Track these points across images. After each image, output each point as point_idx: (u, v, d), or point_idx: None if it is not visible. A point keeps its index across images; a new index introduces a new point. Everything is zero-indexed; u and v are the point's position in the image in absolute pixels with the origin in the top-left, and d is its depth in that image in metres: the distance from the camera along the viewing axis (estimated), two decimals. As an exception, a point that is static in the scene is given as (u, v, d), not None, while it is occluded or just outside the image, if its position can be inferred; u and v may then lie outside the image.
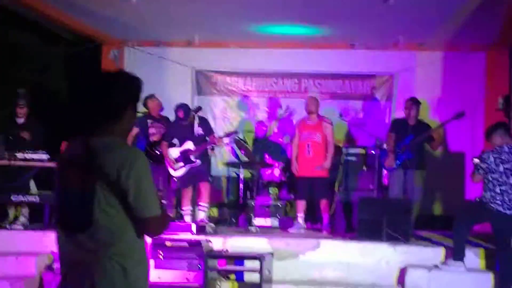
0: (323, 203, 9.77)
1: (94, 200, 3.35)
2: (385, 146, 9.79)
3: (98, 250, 3.36)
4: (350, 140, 11.68)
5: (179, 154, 9.68)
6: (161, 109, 10.66)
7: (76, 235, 3.39)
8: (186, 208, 9.72)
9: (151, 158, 9.97)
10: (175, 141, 9.87)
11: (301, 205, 9.83)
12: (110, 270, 3.35)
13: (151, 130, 10.36)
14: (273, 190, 10.95)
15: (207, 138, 9.74)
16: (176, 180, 9.84)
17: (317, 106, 9.94)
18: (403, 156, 9.36)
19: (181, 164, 9.65)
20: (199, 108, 10.12)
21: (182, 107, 9.82)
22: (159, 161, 9.97)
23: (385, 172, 9.94)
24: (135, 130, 10.07)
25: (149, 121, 10.36)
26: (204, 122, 9.94)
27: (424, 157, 9.55)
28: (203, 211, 9.61)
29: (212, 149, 10.27)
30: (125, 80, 3.62)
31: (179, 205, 10.44)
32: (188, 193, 9.76)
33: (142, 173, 3.37)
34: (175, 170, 9.71)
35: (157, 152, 10.12)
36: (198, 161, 9.61)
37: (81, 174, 3.40)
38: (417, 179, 9.31)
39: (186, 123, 9.74)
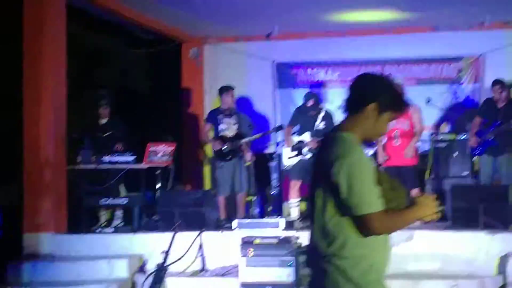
0: (414, 192, 9.48)
1: (314, 196, 3.34)
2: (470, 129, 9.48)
3: (317, 248, 3.34)
4: (439, 126, 11.33)
5: (295, 143, 9.58)
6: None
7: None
8: (294, 201, 9.56)
9: (219, 155, 9.85)
10: (296, 128, 9.77)
11: None
12: (329, 271, 3.31)
13: (222, 126, 10.00)
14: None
15: None
16: (289, 170, 9.68)
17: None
18: (487, 142, 9.02)
19: (295, 153, 9.54)
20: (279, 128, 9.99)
21: (313, 97, 9.70)
22: (227, 158, 9.81)
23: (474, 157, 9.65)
24: (207, 126, 10.02)
25: (219, 116, 10.01)
26: (328, 118, 9.76)
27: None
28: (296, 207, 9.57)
29: None
30: (371, 78, 3.58)
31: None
32: (296, 186, 9.62)
33: (354, 168, 3.24)
34: (288, 158, 9.67)
35: (224, 147, 9.85)
36: (309, 155, 9.46)
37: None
38: (506, 164, 8.95)
39: (312, 114, 9.56)
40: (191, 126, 12.26)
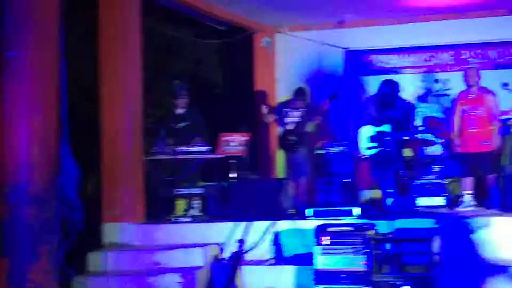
0: (491, 178, 9.33)
1: None
2: None
3: None
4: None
5: (374, 134, 9.57)
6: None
7: None
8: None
9: (284, 147, 9.96)
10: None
11: (469, 182, 9.44)
12: None
13: (287, 119, 10.23)
14: (437, 168, 10.59)
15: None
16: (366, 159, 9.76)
17: (477, 77, 9.47)
18: None
19: (375, 144, 9.54)
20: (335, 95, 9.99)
21: (389, 83, 9.79)
22: (293, 150, 9.90)
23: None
24: (272, 118, 10.12)
25: (285, 109, 10.27)
26: (406, 109, 9.70)
27: None
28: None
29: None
30: None
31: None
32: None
33: None
34: (367, 148, 9.73)
35: (290, 140, 10.02)
36: (390, 149, 9.49)
37: None
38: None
39: (389, 103, 9.57)
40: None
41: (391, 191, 9.45)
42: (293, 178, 10.07)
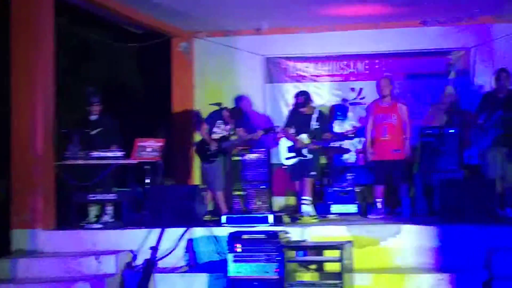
0: (402, 186, 9.52)
1: None
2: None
3: None
4: (428, 120, 11.36)
5: (292, 144, 9.61)
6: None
7: None
8: (306, 198, 9.59)
9: (201, 156, 10.06)
10: (292, 130, 9.84)
11: (380, 190, 9.60)
12: None
13: (215, 129, 10.17)
14: (350, 176, 10.75)
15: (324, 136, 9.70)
16: (287, 169, 9.81)
17: (390, 87, 9.65)
18: (492, 133, 9.01)
19: (293, 154, 9.59)
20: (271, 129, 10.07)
21: (304, 94, 9.81)
22: (210, 161, 9.91)
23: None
24: (205, 127, 10.06)
25: (218, 121, 10.19)
26: (322, 117, 9.79)
27: None
28: (306, 204, 9.56)
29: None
30: None
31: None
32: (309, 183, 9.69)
33: None
34: (286, 159, 9.75)
35: (209, 151, 10.01)
36: (310, 156, 9.55)
37: None
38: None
39: (305, 113, 9.61)
40: (180, 121, 12.25)
41: (307, 198, 9.52)
42: (208, 187, 10.03)
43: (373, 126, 9.70)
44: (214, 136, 10.10)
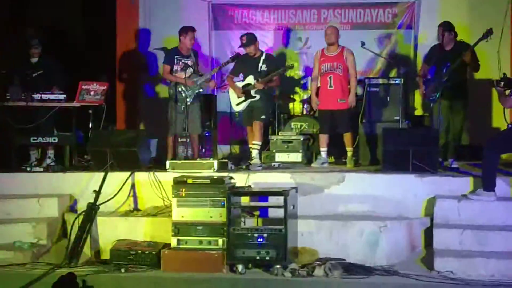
0: (347, 136, 9.58)
1: None
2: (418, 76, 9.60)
3: None
4: (373, 71, 11.43)
5: (240, 88, 9.52)
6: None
7: None
8: (255, 142, 9.58)
9: (172, 97, 9.64)
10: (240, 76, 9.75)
11: (324, 139, 9.64)
12: None
13: (176, 67, 9.67)
14: (295, 125, 10.78)
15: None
16: (237, 116, 9.65)
17: (337, 36, 9.62)
18: (440, 86, 9.09)
19: (242, 98, 9.50)
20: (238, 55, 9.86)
21: (247, 34, 9.65)
22: (181, 102, 9.61)
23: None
24: (167, 68, 9.73)
25: (177, 57, 9.68)
26: (269, 60, 9.69)
27: (465, 85, 9.31)
28: (256, 149, 9.55)
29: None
30: None
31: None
32: (250, 131, 9.68)
33: None
34: (236, 104, 9.64)
35: (183, 91, 9.52)
36: (258, 96, 9.48)
37: None
38: (457, 108, 9.10)
39: (252, 56, 9.53)
40: (125, 64, 12.08)
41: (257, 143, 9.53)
42: (172, 130, 9.65)
43: (318, 75, 9.67)
44: (180, 74, 9.57)
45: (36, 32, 9.76)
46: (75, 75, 9.77)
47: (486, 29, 8.83)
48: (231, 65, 9.96)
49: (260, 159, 9.69)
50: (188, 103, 9.42)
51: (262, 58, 9.62)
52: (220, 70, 10.77)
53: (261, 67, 9.55)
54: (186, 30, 9.75)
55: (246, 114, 9.74)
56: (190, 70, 9.41)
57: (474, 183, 7.85)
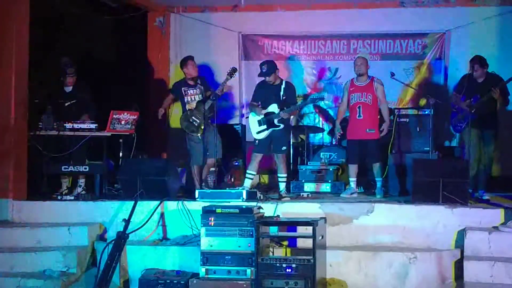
0: (376, 166, 9.55)
1: None
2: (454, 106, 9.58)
3: None
4: (402, 101, 11.42)
5: (262, 117, 9.44)
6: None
7: None
8: (251, 172, 9.50)
9: (188, 128, 9.72)
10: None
11: (353, 169, 9.62)
12: None
13: (187, 98, 9.82)
14: (324, 155, 10.76)
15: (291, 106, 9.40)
16: (256, 144, 9.52)
17: (367, 66, 9.63)
18: (467, 117, 9.09)
19: (264, 127, 9.42)
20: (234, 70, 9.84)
21: (267, 63, 9.45)
22: (196, 131, 9.72)
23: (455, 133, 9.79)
24: (170, 96, 9.92)
25: (184, 88, 9.85)
26: (290, 88, 9.55)
27: (495, 115, 9.27)
28: (284, 182, 9.46)
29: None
30: None
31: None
32: (257, 158, 9.49)
33: None
34: (257, 133, 9.47)
35: (195, 120, 9.69)
36: (282, 126, 9.37)
37: None
38: (487, 138, 9.06)
39: (272, 83, 9.45)
40: (156, 95, 12.17)
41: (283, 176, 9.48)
42: (194, 160, 9.76)
43: (349, 105, 9.68)
44: (191, 105, 9.77)
45: (70, 60, 9.85)
46: (106, 105, 9.88)
47: None
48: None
49: (288, 190, 9.68)
50: (202, 131, 9.61)
51: (283, 86, 9.50)
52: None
53: (282, 96, 9.50)
54: (185, 60, 9.90)
55: (264, 141, 9.51)
56: (195, 99, 9.69)
57: (506, 215, 7.77)
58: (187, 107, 9.78)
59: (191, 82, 9.81)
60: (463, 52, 10.86)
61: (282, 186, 9.43)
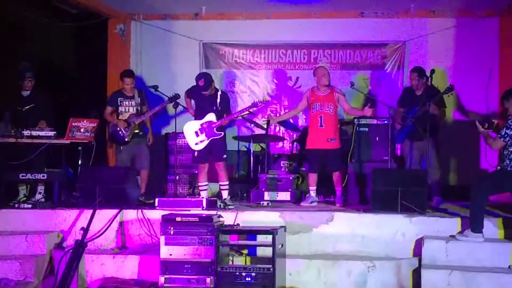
0: (336, 175, 9.60)
1: None
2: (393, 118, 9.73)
3: None
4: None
5: (200, 127, 9.40)
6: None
7: None
8: (203, 184, 9.51)
9: (114, 140, 9.92)
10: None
11: (313, 178, 9.66)
12: None
13: (121, 109, 9.98)
14: (288, 164, 10.78)
15: (225, 115, 9.41)
16: (196, 155, 9.52)
17: (328, 77, 9.68)
18: (406, 129, 9.31)
19: (203, 137, 9.37)
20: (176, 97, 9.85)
21: (203, 76, 9.36)
22: (123, 143, 9.83)
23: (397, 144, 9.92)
24: (109, 109, 9.95)
25: (120, 99, 10.02)
26: (225, 98, 9.54)
27: (435, 124, 9.37)
28: (226, 189, 9.49)
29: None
30: None
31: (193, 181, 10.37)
32: (204, 169, 9.50)
33: None
34: (196, 144, 9.41)
35: (122, 132, 9.84)
36: (222, 134, 9.35)
37: None
38: (428, 148, 9.15)
39: (208, 95, 9.41)
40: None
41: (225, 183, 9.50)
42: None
43: (310, 115, 9.72)
44: (123, 115, 9.94)
45: (29, 65, 9.76)
46: (65, 112, 9.79)
47: (448, 84, 9.28)
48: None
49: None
50: (127, 142, 9.85)
51: (219, 94, 9.46)
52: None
53: (218, 105, 9.41)
54: (122, 76, 10.07)
55: (203, 151, 9.43)
56: (129, 111, 9.86)
57: (463, 224, 7.87)
58: (120, 116, 9.93)
59: (127, 93, 9.98)
60: (421, 63, 10.98)
61: (225, 194, 9.43)
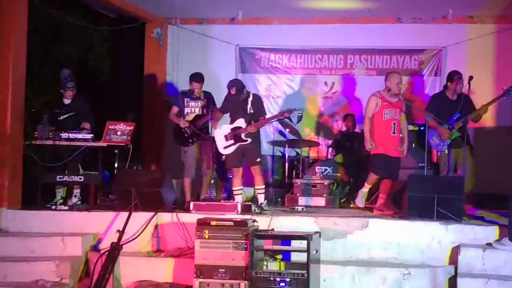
0: (389, 182, 9.36)
1: None
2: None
3: None
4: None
5: (229, 131, 9.41)
6: None
7: None
8: (238, 188, 9.49)
9: (179, 139, 9.72)
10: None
11: (373, 178, 9.37)
12: None
13: (187, 110, 9.76)
14: (319, 169, 10.71)
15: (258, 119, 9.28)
16: (224, 158, 9.51)
17: (401, 85, 9.38)
18: (451, 135, 9.14)
19: (231, 142, 9.36)
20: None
21: (235, 84, 9.27)
22: (187, 142, 9.68)
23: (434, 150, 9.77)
24: (175, 109, 9.82)
25: (186, 99, 9.80)
26: (257, 102, 9.51)
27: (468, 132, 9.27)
28: (262, 193, 9.41)
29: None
30: None
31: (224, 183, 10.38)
32: (239, 173, 9.49)
33: None
34: (224, 148, 9.41)
35: (187, 131, 9.64)
36: (249, 140, 9.30)
37: None
38: (465, 155, 9.02)
39: (240, 100, 9.33)
40: (152, 106, 12.20)
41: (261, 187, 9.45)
42: (186, 172, 9.74)
43: (382, 120, 9.31)
44: (188, 117, 9.74)
45: (71, 74, 9.78)
46: (102, 115, 9.87)
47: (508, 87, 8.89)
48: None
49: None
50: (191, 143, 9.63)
51: (250, 99, 9.41)
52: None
53: (250, 109, 9.35)
54: (191, 79, 9.75)
55: (235, 155, 9.39)
56: (194, 112, 9.65)
57: (500, 232, 7.78)
58: (186, 117, 9.75)
59: (194, 95, 9.73)
60: (459, 69, 10.88)
61: (261, 198, 9.40)
